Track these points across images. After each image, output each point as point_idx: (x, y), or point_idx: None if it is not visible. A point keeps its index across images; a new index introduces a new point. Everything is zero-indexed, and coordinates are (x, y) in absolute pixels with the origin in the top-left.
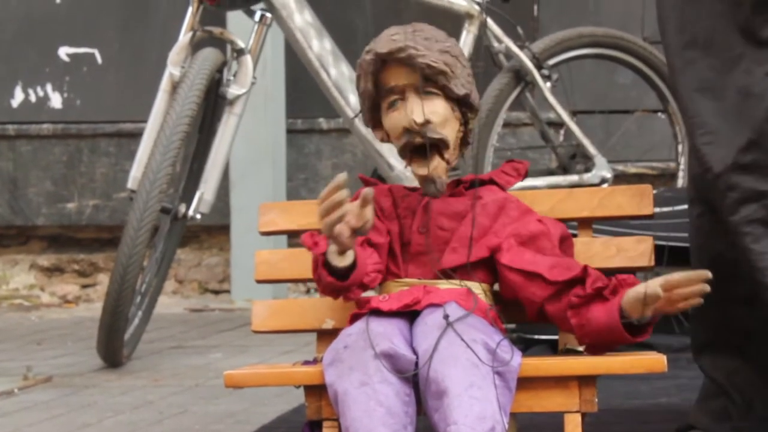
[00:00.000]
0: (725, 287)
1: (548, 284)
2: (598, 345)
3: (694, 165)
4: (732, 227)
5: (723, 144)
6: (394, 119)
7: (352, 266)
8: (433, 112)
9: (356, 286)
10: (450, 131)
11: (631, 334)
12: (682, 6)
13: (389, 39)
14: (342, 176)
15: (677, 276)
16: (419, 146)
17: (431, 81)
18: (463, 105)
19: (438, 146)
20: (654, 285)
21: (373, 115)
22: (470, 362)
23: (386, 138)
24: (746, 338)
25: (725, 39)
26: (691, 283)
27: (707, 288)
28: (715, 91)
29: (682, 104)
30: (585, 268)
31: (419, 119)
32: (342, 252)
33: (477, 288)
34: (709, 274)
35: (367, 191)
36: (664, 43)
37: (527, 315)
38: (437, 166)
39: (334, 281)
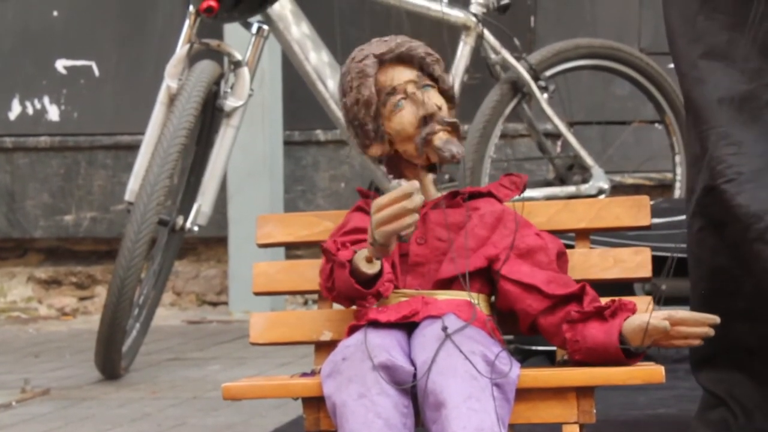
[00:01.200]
0: (727, 303)
1: (545, 297)
2: (588, 362)
3: (694, 178)
4: (754, 236)
5: (749, 154)
6: (404, 117)
7: (378, 274)
8: (437, 103)
9: (371, 294)
10: None
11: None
12: (694, 17)
13: (380, 42)
14: (414, 183)
15: (682, 313)
16: (438, 133)
17: (427, 73)
18: (449, 100)
19: (455, 132)
20: (659, 318)
21: (373, 129)
22: (469, 374)
23: (387, 150)
24: (747, 354)
25: (742, 52)
26: (696, 324)
27: (712, 332)
28: (737, 102)
29: (700, 115)
30: (584, 287)
31: (435, 102)
32: (370, 260)
33: (475, 298)
34: (717, 319)
35: (420, 199)
36: (675, 53)
37: (519, 327)
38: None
39: (361, 289)
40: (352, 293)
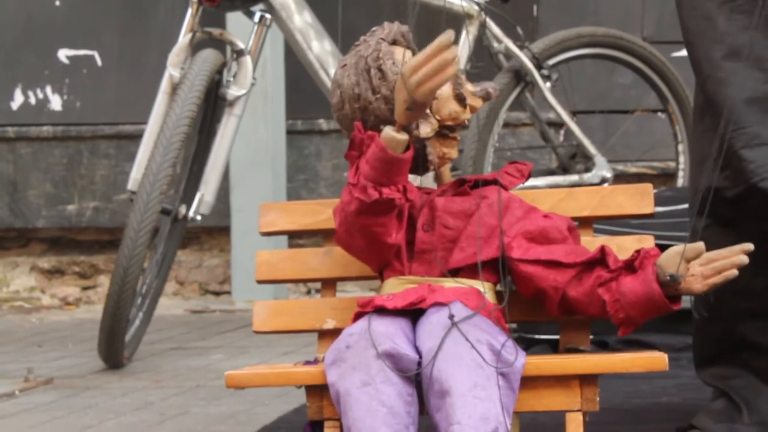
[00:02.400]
0: (733, 302)
1: (568, 268)
2: (633, 318)
3: (700, 178)
4: None
5: None
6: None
7: (408, 146)
8: None
9: (396, 184)
10: None
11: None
12: (714, 18)
13: (372, 32)
14: (450, 33)
15: (713, 252)
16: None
17: (413, 50)
18: None
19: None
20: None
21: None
22: (475, 363)
23: (434, 125)
24: (753, 352)
25: (764, 53)
26: (730, 254)
27: (746, 260)
28: (760, 102)
29: (729, 115)
30: (602, 248)
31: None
32: (399, 129)
33: (482, 287)
34: (751, 246)
35: (456, 48)
36: (695, 55)
37: (550, 310)
38: None
39: (395, 154)
40: (383, 167)
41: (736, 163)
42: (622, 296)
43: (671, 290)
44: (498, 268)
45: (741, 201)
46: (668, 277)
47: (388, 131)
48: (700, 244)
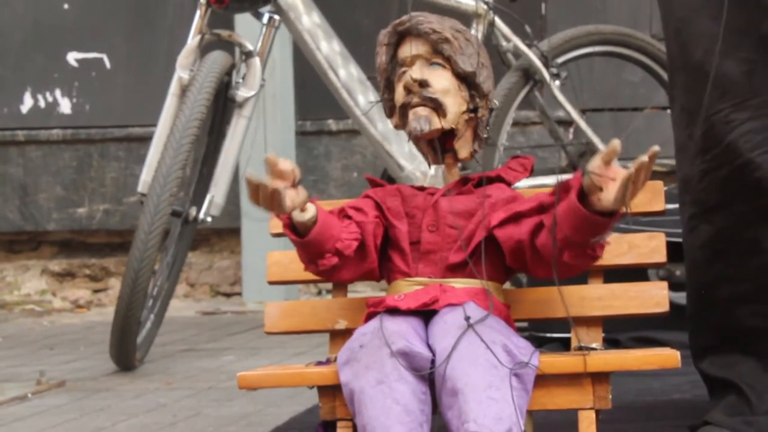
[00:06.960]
0: (728, 287)
1: (527, 217)
2: (569, 236)
3: (686, 166)
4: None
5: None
6: (399, 87)
7: (314, 222)
8: (434, 79)
9: (328, 251)
10: (452, 104)
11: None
12: None
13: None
14: (249, 173)
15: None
16: (416, 107)
17: (438, 53)
18: (471, 87)
19: (436, 111)
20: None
21: (388, 99)
22: (489, 363)
23: (399, 124)
24: (753, 336)
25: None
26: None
27: (645, 159)
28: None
29: (707, 73)
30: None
31: (416, 76)
32: (303, 210)
33: (490, 286)
34: (657, 148)
35: (267, 157)
36: (673, 43)
37: (533, 271)
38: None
39: (297, 239)
40: (298, 249)
41: (723, 139)
42: (556, 215)
43: (597, 203)
44: (500, 267)
45: (732, 180)
46: (584, 176)
47: (295, 215)
48: (615, 143)
